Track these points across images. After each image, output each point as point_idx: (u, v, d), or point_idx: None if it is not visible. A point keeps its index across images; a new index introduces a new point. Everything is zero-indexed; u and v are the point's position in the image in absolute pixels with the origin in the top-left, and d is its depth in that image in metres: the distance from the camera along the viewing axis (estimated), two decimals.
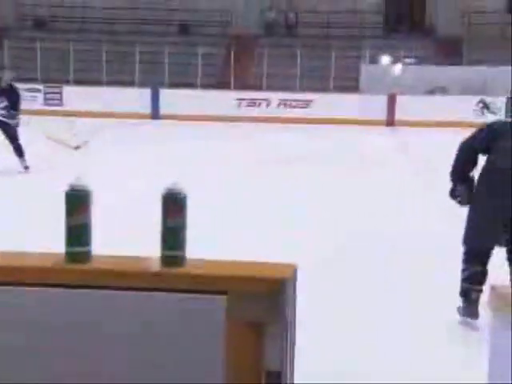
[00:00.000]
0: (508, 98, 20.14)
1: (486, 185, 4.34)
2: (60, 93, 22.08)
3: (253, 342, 1.76)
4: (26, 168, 10.20)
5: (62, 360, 1.82)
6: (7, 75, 10.77)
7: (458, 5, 24.07)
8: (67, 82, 22.56)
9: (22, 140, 10.31)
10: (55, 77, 22.51)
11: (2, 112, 10.23)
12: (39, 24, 26.40)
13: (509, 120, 4.66)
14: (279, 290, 1.76)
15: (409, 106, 19.85)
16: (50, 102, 22.00)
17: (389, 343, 4.04)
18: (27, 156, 10.24)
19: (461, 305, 4.40)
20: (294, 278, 1.85)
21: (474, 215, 4.39)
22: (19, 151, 10.28)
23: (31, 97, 21.48)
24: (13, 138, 10.30)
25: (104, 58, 23.41)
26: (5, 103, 10.22)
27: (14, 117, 10.23)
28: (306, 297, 2.35)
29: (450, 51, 23.59)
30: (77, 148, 9.56)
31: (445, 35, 24.50)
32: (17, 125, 10.30)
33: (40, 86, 22.12)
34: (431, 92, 21.00)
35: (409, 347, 4.01)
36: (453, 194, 4.46)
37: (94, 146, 11.80)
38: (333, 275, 5.31)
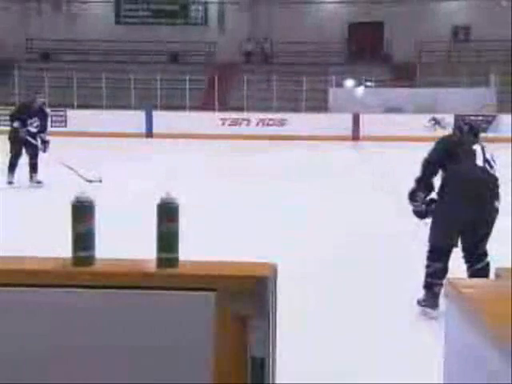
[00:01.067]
0: (455, 115, 20.33)
1: (449, 191, 4.33)
2: (64, 116, 21.97)
3: (239, 332, 1.75)
4: (39, 183, 9.89)
5: (70, 356, 1.80)
6: (39, 98, 10.47)
7: (411, 35, 24.29)
8: (71, 107, 22.46)
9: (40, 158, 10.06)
10: (60, 102, 22.40)
11: (34, 130, 9.90)
12: (45, 56, 26.28)
13: (457, 134, 4.72)
14: (262, 287, 1.75)
15: (370, 124, 19.99)
16: (56, 123, 21.83)
17: (389, 343, 3.78)
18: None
19: (422, 297, 4.35)
20: (275, 276, 1.84)
21: (437, 218, 4.38)
22: (34, 168, 9.97)
23: None
24: (33, 156, 9.94)
25: (103, 85, 23.34)
26: (37, 123, 9.97)
27: (40, 138, 9.97)
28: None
29: (405, 75, 23.79)
30: (90, 181, 9.16)
31: (400, 61, 24.71)
32: (43, 149, 9.94)
33: (47, 110, 21.96)
34: (389, 111, 21.17)
35: (409, 347, 3.74)
36: (412, 197, 4.44)
37: (97, 161, 11.73)
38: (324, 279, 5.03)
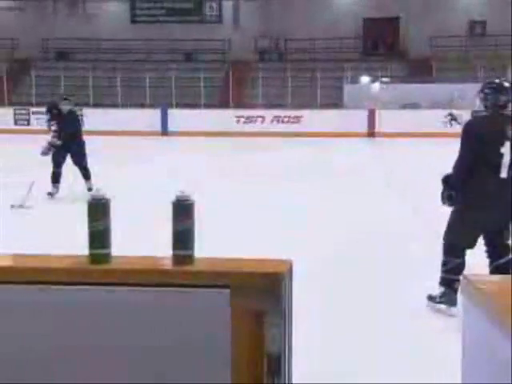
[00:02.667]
0: (472, 111, 20.17)
1: (475, 195, 4.14)
2: (81, 115, 22.06)
3: (254, 329, 1.75)
4: (89, 190, 8.72)
5: (87, 353, 1.81)
6: (68, 102, 9.57)
7: (426, 31, 24.11)
8: (87, 105, 22.57)
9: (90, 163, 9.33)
10: (76, 101, 22.48)
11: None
12: (61, 55, 26.43)
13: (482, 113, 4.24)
14: (277, 284, 1.75)
15: (386, 120, 19.87)
16: None
17: (388, 343, 3.75)
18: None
19: (439, 294, 4.26)
20: (291, 273, 1.84)
21: (460, 216, 4.23)
22: (85, 175, 9.15)
23: None
24: (79, 162, 9.22)
25: (119, 84, 23.43)
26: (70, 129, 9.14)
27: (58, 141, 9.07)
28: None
29: (421, 71, 23.62)
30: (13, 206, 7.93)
31: (416, 57, 24.54)
32: (44, 151, 9.09)
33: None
34: (405, 107, 21.04)
35: (408, 346, 3.71)
36: (450, 198, 4.18)
37: (116, 161, 11.75)
38: (329, 275, 5.02)
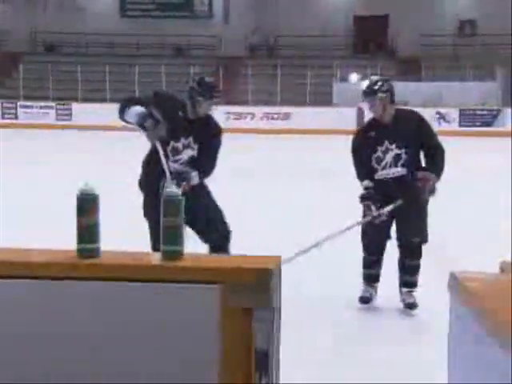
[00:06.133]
0: (460, 109, 20.29)
1: None
2: (70, 109, 21.99)
3: (244, 324, 1.76)
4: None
5: (74, 347, 1.81)
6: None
7: (416, 29, 24.19)
8: (76, 100, 22.47)
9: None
10: (65, 95, 22.43)
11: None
12: (50, 49, 26.28)
13: None
14: (266, 280, 1.76)
15: None
16: (61, 117, 21.91)
17: (388, 343, 3.67)
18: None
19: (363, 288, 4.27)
20: (279, 268, 1.85)
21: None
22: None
23: (44, 113, 21.47)
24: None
25: (107, 78, 23.32)
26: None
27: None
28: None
29: (410, 69, 23.70)
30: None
31: (405, 55, 24.62)
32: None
33: (52, 104, 22.04)
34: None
35: (408, 345, 3.65)
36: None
37: (108, 155, 11.66)
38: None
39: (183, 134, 3.97)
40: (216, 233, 3.96)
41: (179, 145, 3.97)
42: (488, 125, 20.17)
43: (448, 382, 1.80)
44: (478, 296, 1.57)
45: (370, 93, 4.20)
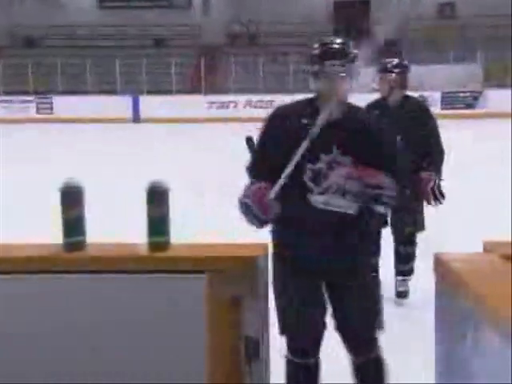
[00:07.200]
0: (442, 92, 20.36)
1: None
2: (50, 102, 21.79)
3: (232, 312, 1.76)
4: None
5: (62, 339, 1.81)
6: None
7: (396, 13, 24.19)
8: (56, 93, 22.26)
9: None
10: (45, 88, 22.21)
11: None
12: (29, 42, 25.97)
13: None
14: (252, 268, 1.76)
15: (358, 103, 19.92)
16: (42, 110, 21.72)
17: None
18: None
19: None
20: (266, 256, 1.85)
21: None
22: None
23: (24, 107, 21.30)
24: None
25: (88, 70, 23.12)
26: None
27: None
28: None
29: (391, 53, 23.72)
30: None
31: (385, 39, 24.62)
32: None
33: (32, 97, 21.84)
34: (375, 90, 21.09)
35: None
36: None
37: (85, 147, 11.59)
38: None
39: None
40: None
41: None
42: (470, 107, 20.27)
43: (435, 355, 1.82)
44: (463, 275, 1.59)
45: (381, 69, 4.16)
